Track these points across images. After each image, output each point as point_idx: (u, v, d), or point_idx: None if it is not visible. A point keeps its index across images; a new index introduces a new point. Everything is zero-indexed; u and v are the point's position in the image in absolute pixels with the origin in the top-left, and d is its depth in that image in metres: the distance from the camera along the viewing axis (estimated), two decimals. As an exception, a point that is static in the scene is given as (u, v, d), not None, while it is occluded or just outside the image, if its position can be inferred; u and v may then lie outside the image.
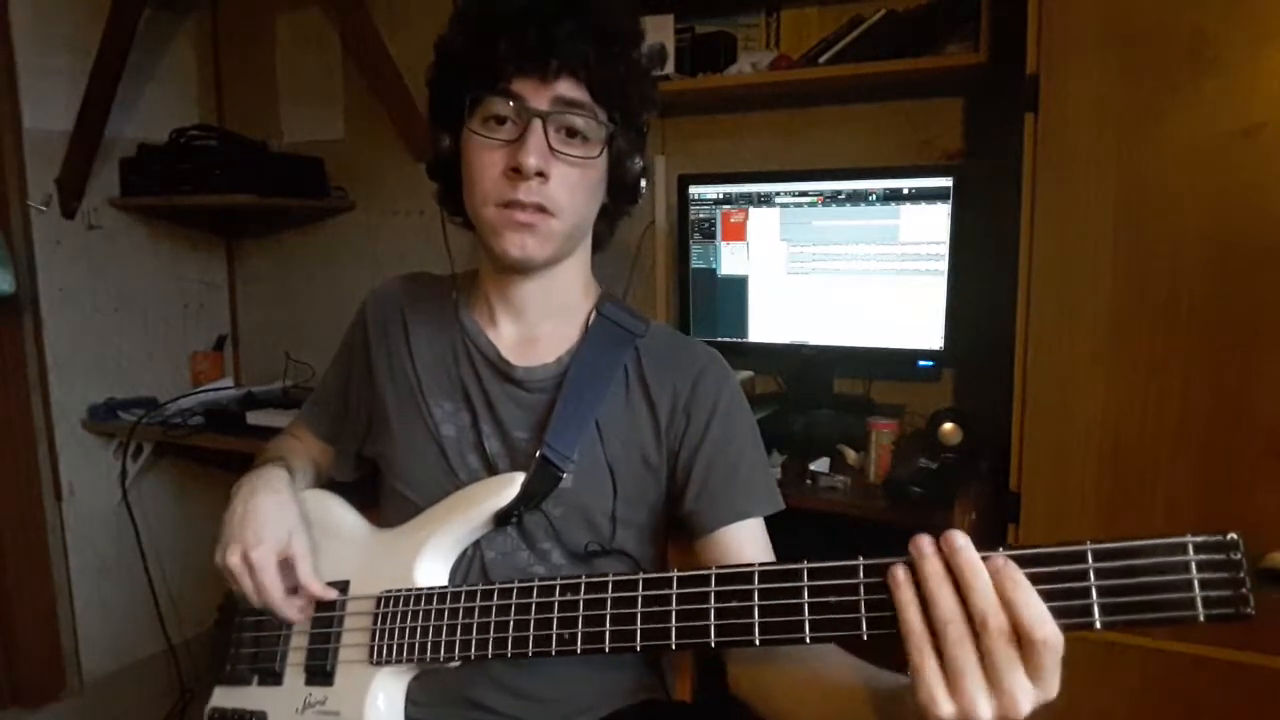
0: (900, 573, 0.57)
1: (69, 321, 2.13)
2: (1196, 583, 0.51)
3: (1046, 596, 0.53)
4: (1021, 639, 0.52)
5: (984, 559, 0.55)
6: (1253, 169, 1.13)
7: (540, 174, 0.79)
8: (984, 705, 0.52)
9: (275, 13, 2.37)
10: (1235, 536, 0.51)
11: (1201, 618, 0.51)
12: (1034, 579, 0.54)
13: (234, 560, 0.81)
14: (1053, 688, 0.53)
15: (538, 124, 0.79)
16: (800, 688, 0.73)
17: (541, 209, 0.81)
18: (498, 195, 0.81)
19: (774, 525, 0.90)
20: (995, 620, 0.53)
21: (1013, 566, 0.54)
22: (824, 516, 1.41)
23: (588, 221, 0.89)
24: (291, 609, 0.83)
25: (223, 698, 0.90)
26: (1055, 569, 0.54)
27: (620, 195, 0.91)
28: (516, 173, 0.79)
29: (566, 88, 0.80)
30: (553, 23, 0.77)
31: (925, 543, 0.56)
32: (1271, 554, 0.51)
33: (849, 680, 0.70)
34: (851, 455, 1.57)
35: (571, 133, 0.82)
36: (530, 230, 0.82)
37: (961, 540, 0.55)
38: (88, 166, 2.10)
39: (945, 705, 0.53)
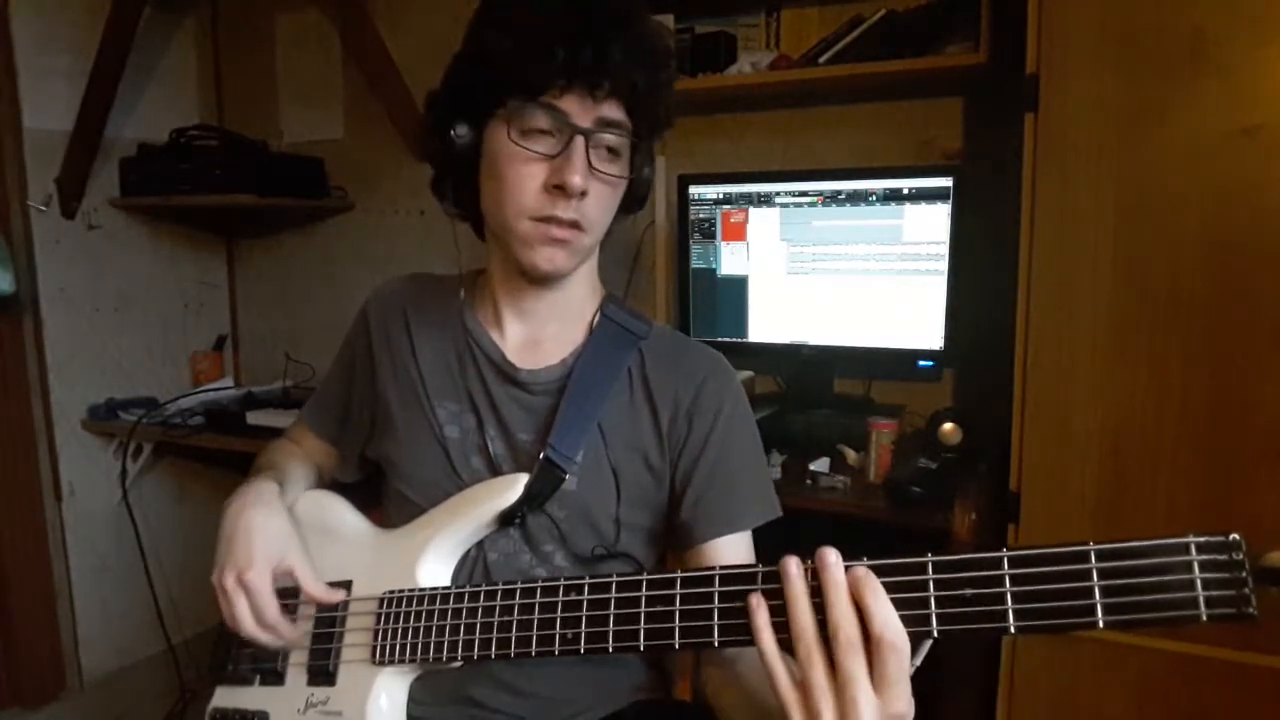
0: (754, 600, 0.61)
1: (69, 321, 2.13)
2: (1199, 583, 0.51)
3: (1049, 596, 0.54)
4: (870, 641, 0.56)
5: (846, 569, 0.58)
6: (1253, 169, 1.13)
7: (582, 192, 0.79)
8: (827, 715, 0.56)
9: (275, 13, 2.37)
10: (1237, 537, 0.51)
11: (1204, 618, 0.51)
12: (1036, 579, 0.54)
13: (229, 582, 0.81)
14: (897, 699, 0.55)
15: (580, 142, 0.79)
16: (741, 692, 0.76)
17: (575, 225, 0.81)
18: (535, 209, 0.81)
19: (774, 527, 0.90)
20: (845, 632, 0.56)
21: (870, 576, 0.57)
22: (824, 517, 1.41)
23: (605, 232, 0.89)
24: (269, 636, 0.82)
25: (224, 697, 0.90)
26: (1058, 569, 0.54)
27: (631, 204, 0.91)
28: (558, 189, 0.79)
29: (610, 109, 0.80)
30: (609, 42, 0.76)
31: (791, 564, 0.60)
32: (1271, 553, 0.51)
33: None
34: (851, 455, 1.57)
35: (608, 150, 0.82)
36: (563, 245, 0.82)
37: (832, 558, 0.58)
38: (88, 166, 2.10)
39: (796, 715, 0.57)
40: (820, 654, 0.57)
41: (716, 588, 0.64)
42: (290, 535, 0.85)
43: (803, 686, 0.57)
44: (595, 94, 0.78)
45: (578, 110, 0.79)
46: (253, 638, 0.82)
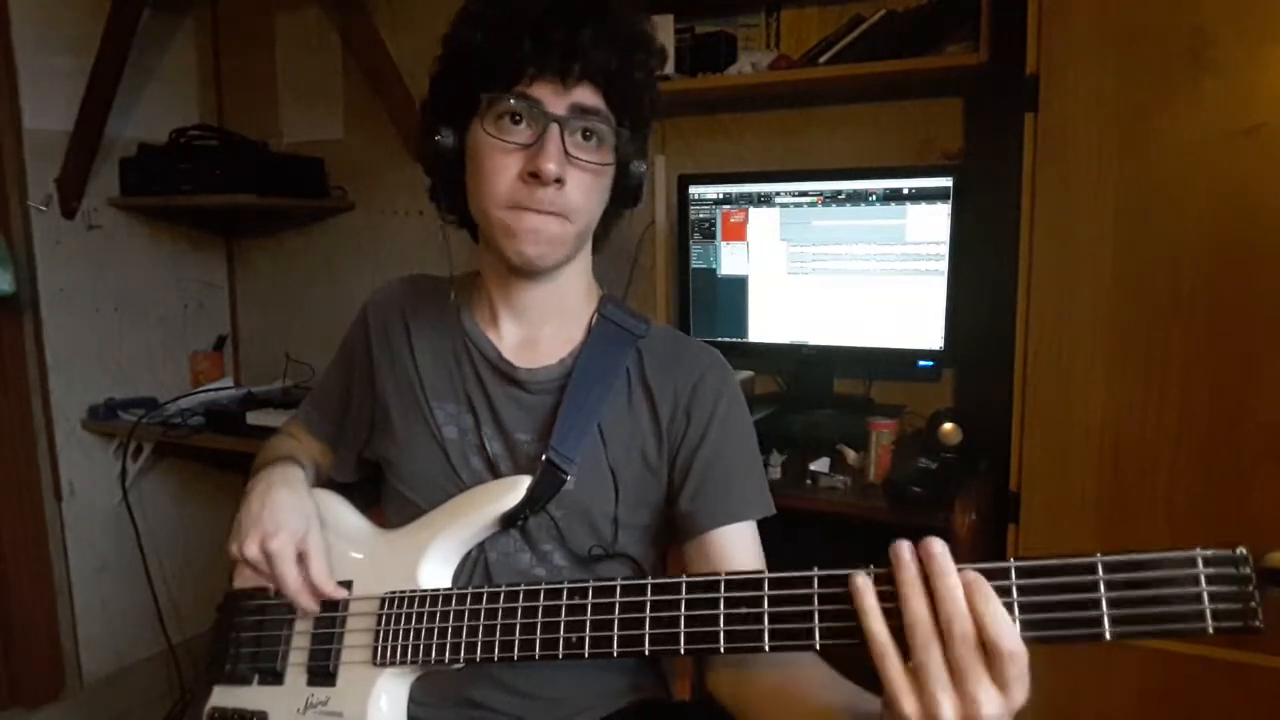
0: (860, 580, 0.59)
1: (69, 321, 2.12)
2: (1205, 595, 0.52)
3: (1055, 608, 0.54)
4: (988, 650, 0.54)
5: (958, 570, 0.56)
6: (1252, 168, 1.13)
7: (558, 180, 0.79)
8: (947, 706, 0.54)
9: (275, 13, 2.36)
10: (1244, 551, 0.52)
11: (1210, 630, 0.51)
12: (1043, 589, 0.55)
13: (252, 550, 0.82)
14: (1019, 697, 0.54)
15: (555, 129, 0.79)
16: (778, 697, 0.75)
17: (555, 214, 0.81)
18: (512, 199, 0.81)
19: (773, 526, 0.90)
20: (960, 626, 0.54)
21: (983, 581, 0.55)
22: (824, 517, 1.41)
23: (595, 224, 0.89)
24: (306, 599, 0.83)
25: (223, 697, 0.89)
26: (1065, 580, 0.54)
27: (623, 199, 0.90)
28: (534, 177, 0.79)
29: (584, 94, 0.80)
30: (577, 27, 0.77)
31: (904, 549, 0.58)
32: (1272, 554, 0.52)
33: (829, 694, 0.71)
34: (851, 455, 1.57)
35: (586, 137, 0.82)
36: (545, 234, 0.82)
37: (939, 547, 0.57)
38: (88, 166, 2.09)
39: (909, 702, 0.55)
40: (938, 643, 0.55)
41: (722, 593, 0.64)
42: (314, 519, 0.86)
43: (917, 674, 0.55)
44: (566, 80, 0.78)
45: (550, 97, 0.79)
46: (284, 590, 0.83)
